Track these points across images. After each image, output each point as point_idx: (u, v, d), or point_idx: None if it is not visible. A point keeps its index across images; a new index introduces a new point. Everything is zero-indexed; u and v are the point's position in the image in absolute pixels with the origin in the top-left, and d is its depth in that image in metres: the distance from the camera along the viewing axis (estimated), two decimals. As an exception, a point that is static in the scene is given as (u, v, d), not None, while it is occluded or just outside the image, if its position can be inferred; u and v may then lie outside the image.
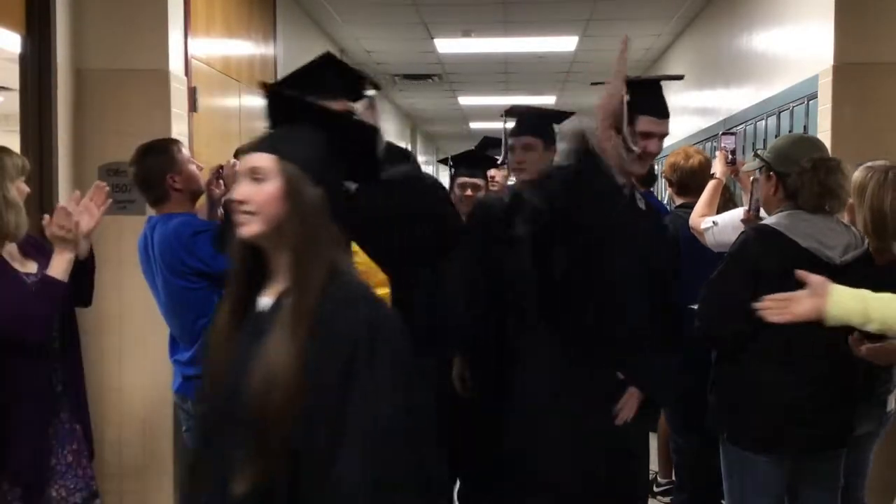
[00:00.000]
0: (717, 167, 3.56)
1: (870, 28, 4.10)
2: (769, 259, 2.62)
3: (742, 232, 2.83)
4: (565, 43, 8.94)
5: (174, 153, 3.12)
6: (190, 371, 3.08)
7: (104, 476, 3.82)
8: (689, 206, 3.77)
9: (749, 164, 3.01)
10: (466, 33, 8.46)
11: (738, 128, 6.14)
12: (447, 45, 9.07)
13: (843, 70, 4.11)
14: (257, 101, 6.35)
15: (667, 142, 9.07)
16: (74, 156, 3.89)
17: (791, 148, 2.78)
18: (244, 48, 5.85)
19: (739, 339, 2.67)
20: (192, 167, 3.15)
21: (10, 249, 2.67)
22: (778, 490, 2.72)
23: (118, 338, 3.92)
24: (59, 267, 2.61)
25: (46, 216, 2.64)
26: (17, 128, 3.66)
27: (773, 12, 5.57)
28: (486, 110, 13.95)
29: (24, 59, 3.61)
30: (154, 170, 3.08)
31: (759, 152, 2.93)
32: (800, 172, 2.66)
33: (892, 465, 3.49)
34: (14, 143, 3.46)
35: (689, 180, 3.86)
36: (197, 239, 2.98)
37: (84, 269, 2.75)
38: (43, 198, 3.57)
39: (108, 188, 2.78)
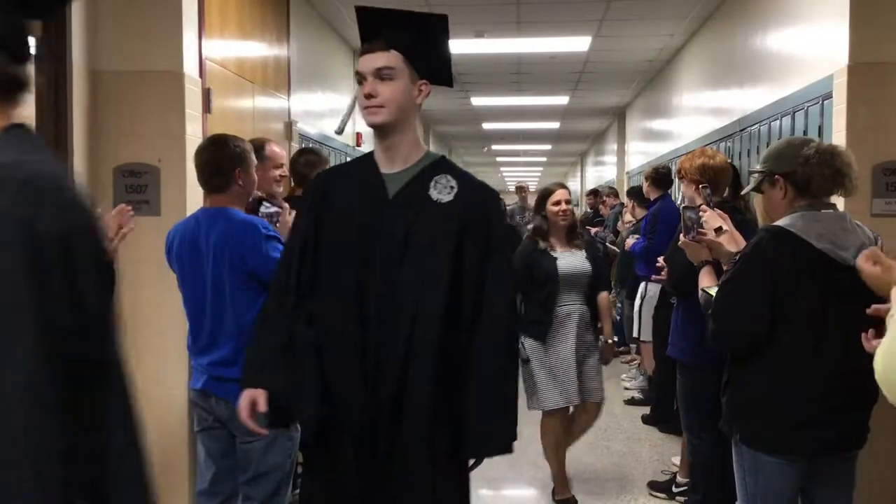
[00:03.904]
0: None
1: (885, 27, 4.07)
2: (783, 261, 2.61)
3: (756, 234, 2.82)
4: (578, 43, 8.92)
5: (248, 151, 3.16)
6: (220, 372, 3.09)
7: (119, 475, 3.84)
8: (721, 205, 3.75)
9: (749, 187, 2.99)
10: (479, 34, 8.46)
11: (753, 128, 6.12)
12: (460, 46, 9.07)
13: (859, 70, 4.09)
14: (271, 103, 6.42)
15: (679, 142, 9.09)
16: (90, 157, 3.91)
17: (786, 148, 2.78)
18: (258, 50, 5.88)
19: (754, 342, 2.66)
20: (254, 174, 3.20)
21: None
22: (791, 492, 2.71)
23: (133, 338, 3.94)
24: None
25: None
26: (33, 130, 3.68)
27: (788, 11, 5.55)
28: (499, 111, 13.95)
29: (39, 61, 3.64)
30: (231, 158, 3.11)
31: (754, 170, 2.92)
32: (805, 162, 2.66)
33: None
34: (30, 144, 3.48)
35: (719, 178, 3.90)
36: (269, 243, 3.02)
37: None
38: (58, 199, 3.59)
39: (132, 212, 2.80)
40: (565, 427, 4.58)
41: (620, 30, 8.38)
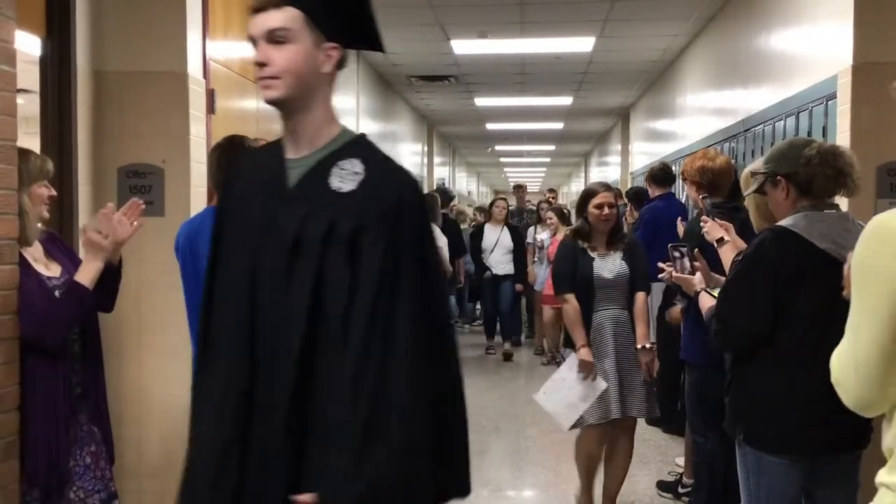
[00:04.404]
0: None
1: (890, 27, 4.07)
2: (786, 260, 2.61)
3: (758, 233, 2.82)
4: (582, 44, 8.92)
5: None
6: None
7: (124, 476, 3.85)
8: (717, 207, 3.77)
9: (749, 189, 3.00)
10: (483, 34, 8.47)
11: (757, 128, 6.11)
12: (464, 47, 9.08)
13: (863, 70, 4.08)
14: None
15: (683, 143, 9.08)
16: (94, 158, 3.92)
17: (787, 149, 2.79)
18: (262, 50, 5.88)
19: (756, 342, 2.66)
20: None
21: (34, 251, 2.70)
22: (794, 492, 2.71)
23: (138, 338, 3.95)
24: (88, 274, 2.65)
25: (83, 224, 2.67)
26: (38, 130, 3.70)
27: (792, 11, 5.54)
28: (503, 111, 13.95)
29: (44, 62, 3.65)
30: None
31: (752, 171, 2.92)
32: (807, 162, 2.66)
33: None
34: (34, 144, 3.49)
35: (719, 180, 3.93)
36: None
37: (111, 277, 2.79)
38: (63, 199, 3.60)
39: (143, 205, 2.81)
40: (602, 446, 4.22)
41: (624, 30, 8.38)
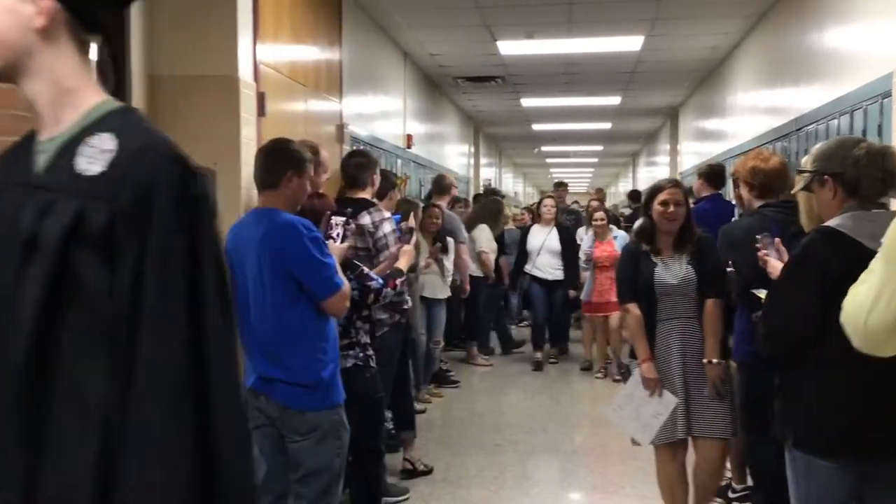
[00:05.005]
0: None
1: (948, 23, 3.97)
2: (834, 261, 2.57)
3: (805, 235, 2.78)
4: (630, 43, 8.85)
5: (305, 160, 3.22)
6: (266, 371, 3.16)
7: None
8: (773, 206, 3.72)
9: (798, 186, 2.95)
10: (529, 35, 8.45)
11: (810, 127, 6.01)
12: (510, 47, 9.07)
13: (920, 67, 4.00)
14: (323, 106, 6.50)
15: (734, 142, 8.99)
16: (148, 160, 4.00)
17: (836, 148, 2.74)
18: (310, 53, 5.95)
19: (804, 345, 2.62)
20: (307, 182, 3.24)
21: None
22: (844, 497, 2.65)
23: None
24: None
25: None
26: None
27: (845, 8, 5.44)
28: (549, 112, 13.90)
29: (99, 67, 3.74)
30: (285, 160, 3.17)
31: (802, 168, 2.88)
32: (854, 163, 2.61)
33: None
34: (91, 148, 3.58)
35: (772, 182, 3.84)
36: (313, 243, 3.08)
37: None
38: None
39: None
40: (678, 466, 3.83)
41: (673, 28, 8.30)
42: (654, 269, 3.72)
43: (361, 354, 3.90)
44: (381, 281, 3.83)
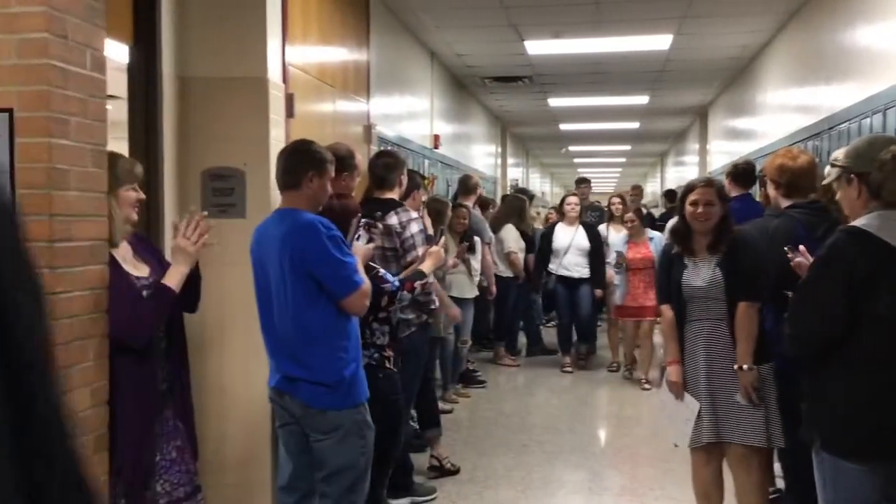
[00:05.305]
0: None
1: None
2: (860, 261, 2.54)
3: (832, 235, 2.75)
4: (659, 42, 8.79)
5: (326, 161, 3.24)
6: (289, 370, 3.18)
7: (207, 471, 3.96)
8: (801, 207, 3.67)
9: (827, 179, 2.92)
10: (557, 34, 8.42)
11: (842, 126, 5.93)
12: (537, 47, 9.05)
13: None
14: (350, 106, 6.51)
15: (764, 141, 8.89)
16: (179, 161, 4.04)
17: (866, 147, 2.71)
18: (338, 55, 5.97)
19: (830, 345, 2.60)
20: (328, 183, 3.26)
21: (124, 252, 2.80)
22: (873, 500, 2.62)
23: (220, 337, 4.06)
24: (175, 279, 2.79)
25: (176, 224, 2.83)
26: (126, 135, 3.83)
27: (877, 5, 5.36)
28: (577, 111, 13.84)
29: (131, 69, 3.78)
30: (305, 161, 3.21)
31: (834, 161, 2.85)
32: (880, 166, 2.59)
33: None
34: (122, 149, 3.62)
35: (799, 181, 3.77)
36: (332, 243, 3.11)
37: (195, 281, 2.94)
38: (150, 201, 3.72)
39: (210, 224, 2.93)
40: (710, 473, 3.75)
41: (703, 27, 8.23)
42: (683, 271, 3.67)
43: (377, 355, 3.90)
44: (396, 283, 3.83)
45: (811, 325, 2.64)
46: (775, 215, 3.82)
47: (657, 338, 8.11)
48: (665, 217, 10.66)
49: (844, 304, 2.55)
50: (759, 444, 3.57)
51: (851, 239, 2.59)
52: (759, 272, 3.51)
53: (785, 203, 3.81)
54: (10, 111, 2.39)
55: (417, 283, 3.96)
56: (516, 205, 8.70)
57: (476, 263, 6.89)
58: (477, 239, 6.95)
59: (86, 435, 2.53)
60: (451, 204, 6.80)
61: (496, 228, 8.13)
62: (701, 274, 3.63)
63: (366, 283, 3.19)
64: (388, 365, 3.95)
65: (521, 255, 8.27)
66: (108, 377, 2.65)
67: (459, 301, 6.36)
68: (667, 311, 3.77)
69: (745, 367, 3.51)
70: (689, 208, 3.67)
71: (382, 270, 3.87)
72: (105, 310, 2.64)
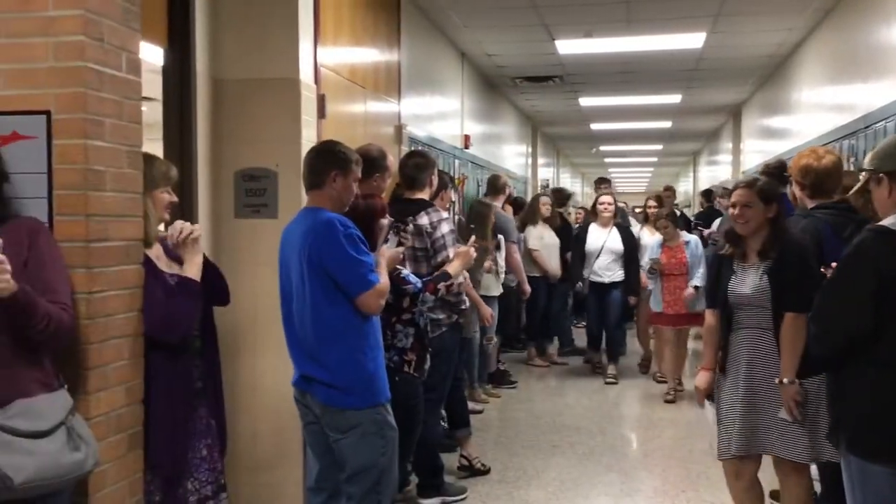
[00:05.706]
0: None
1: None
2: (887, 260, 2.51)
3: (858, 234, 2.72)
4: (692, 40, 8.72)
5: (351, 161, 3.26)
6: (307, 369, 3.20)
7: (239, 469, 4.00)
8: (826, 208, 3.62)
9: (857, 186, 2.89)
10: (588, 34, 8.38)
11: (878, 125, 5.84)
12: (568, 47, 9.01)
13: None
14: (381, 107, 6.54)
15: (799, 140, 8.78)
16: (213, 162, 4.08)
17: (893, 147, 2.67)
18: (369, 55, 6.00)
19: (855, 344, 2.56)
20: (354, 186, 3.29)
21: (157, 251, 2.84)
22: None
23: (253, 336, 4.09)
24: (192, 269, 2.82)
25: (167, 231, 2.86)
26: (160, 136, 3.88)
27: (917, 2, 5.27)
28: (608, 111, 13.76)
29: (166, 71, 3.83)
30: (329, 160, 3.24)
31: (860, 168, 2.82)
32: None
33: None
34: (157, 150, 3.67)
35: (824, 182, 3.71)
36: (350, 242, 3.12)
37: (211, 269, 2.97)
38: (183, 201, 3.76)
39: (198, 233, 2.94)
40: (745, 485, 3.64)
41: (737, 25, 8.15)
42: (731, 277, 3.55)
43: (396, 357, 3.89)
44: (419, 285, 3.82)
45: (836, 323, 2.61)
46: (803, 216, 3.78)
47: (692, 343, 8.06)
48: (701, 216, 10.57)
49: (870, 302, 2.52)
50: (802, 459, 3.45)
51: (879, 238, 2.56)
52: (808, 281, 3.27)
53: (811, 204, 3.76)
54: (47, 113, 2.43)
55: (441, 285, 3.95)
56: (532, 204, 8.71)
57: (501, 261, 6.90)
58: (500, 237, 6.94)
59: (121, 432, 2.57)
60: (494, 207, 6.83)
61: (521, 229, 8.13)
62: (747, 281, 3.51)
63: (381, 282, 3.17)
64: (406, 369, 3.93)
65: (543, 253, 8.25)
66: (144, 376, 2.68)
67: (485, 299, 6.35)
68: (709, 316, 3.71)
69: (785, 380, 3.37)
70: (731, 211, 3.60)
71: (406, 271, 3.87)
72: (139, 309, 2.67)
